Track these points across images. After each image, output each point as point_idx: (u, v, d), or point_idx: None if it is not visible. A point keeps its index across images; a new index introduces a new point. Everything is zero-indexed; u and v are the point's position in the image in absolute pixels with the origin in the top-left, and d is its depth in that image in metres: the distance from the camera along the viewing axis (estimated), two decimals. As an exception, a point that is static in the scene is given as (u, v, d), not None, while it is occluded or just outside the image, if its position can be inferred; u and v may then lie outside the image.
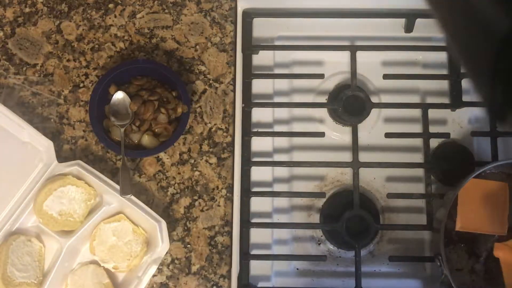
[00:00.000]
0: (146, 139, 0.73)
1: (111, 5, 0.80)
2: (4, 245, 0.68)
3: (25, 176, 0.70)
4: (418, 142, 0.76)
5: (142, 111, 0.72)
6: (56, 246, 0.70)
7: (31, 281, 0.68)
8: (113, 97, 0.73)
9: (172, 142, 0.72)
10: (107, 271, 0.70)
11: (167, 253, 0.70)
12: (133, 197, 0.70)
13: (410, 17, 0.78)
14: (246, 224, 0.72)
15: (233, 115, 0.76)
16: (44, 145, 0.71)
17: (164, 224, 0.69)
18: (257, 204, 0.74)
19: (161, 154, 0.76)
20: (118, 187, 0.70)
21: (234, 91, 0.77)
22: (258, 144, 0.76)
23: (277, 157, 0.77)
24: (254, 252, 0.72)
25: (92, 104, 0.72)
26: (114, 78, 0.73)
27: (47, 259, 0.71)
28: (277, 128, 0.78)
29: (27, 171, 0.70)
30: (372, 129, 0.78)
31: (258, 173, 0.75)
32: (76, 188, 0.70)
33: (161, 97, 0.73)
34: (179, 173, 0.75)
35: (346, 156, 0.75)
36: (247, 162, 0.74)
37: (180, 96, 0.73)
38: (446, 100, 0.78)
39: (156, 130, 0.73)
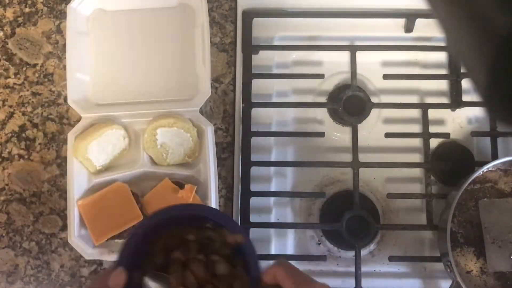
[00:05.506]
0: None
1: (111, 5, 0.80)
2: (99, 128, 0.70)
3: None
4: (418, 142, 0.76)
5: (192, 280, 0.49)
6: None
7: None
8: None
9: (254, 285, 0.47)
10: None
11: (167, 253, 0.70)
12: None
13: (410, 17, 0.78)
14: (246, 224, 0.72)
15: (233, 115, 0.76)
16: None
17: (164, 224, 0.69)
18: (257, 204, 0.74)
19: (161, 154, 0.75)
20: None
21: (234, 91, 0.77)
22: (258, 144, 0.76)
23: (277, 157, 0.77)
24: (254, 252, 0.72)
25: None
26: (127, 264, 0.48)
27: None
28: (277, 128, 0.78)
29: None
30: (372, 129, 0.78)
31: (258, 173, 0.75)
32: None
33: (199, 243, 0.51)
34: (179, 173, 0.75)
35: (346, 156, 0.75)
36: (247, 162, 0.74)
37: (219, 223, 0.50)
38: (446, 100, 0.78)
39: (224, 286, 0.49)
